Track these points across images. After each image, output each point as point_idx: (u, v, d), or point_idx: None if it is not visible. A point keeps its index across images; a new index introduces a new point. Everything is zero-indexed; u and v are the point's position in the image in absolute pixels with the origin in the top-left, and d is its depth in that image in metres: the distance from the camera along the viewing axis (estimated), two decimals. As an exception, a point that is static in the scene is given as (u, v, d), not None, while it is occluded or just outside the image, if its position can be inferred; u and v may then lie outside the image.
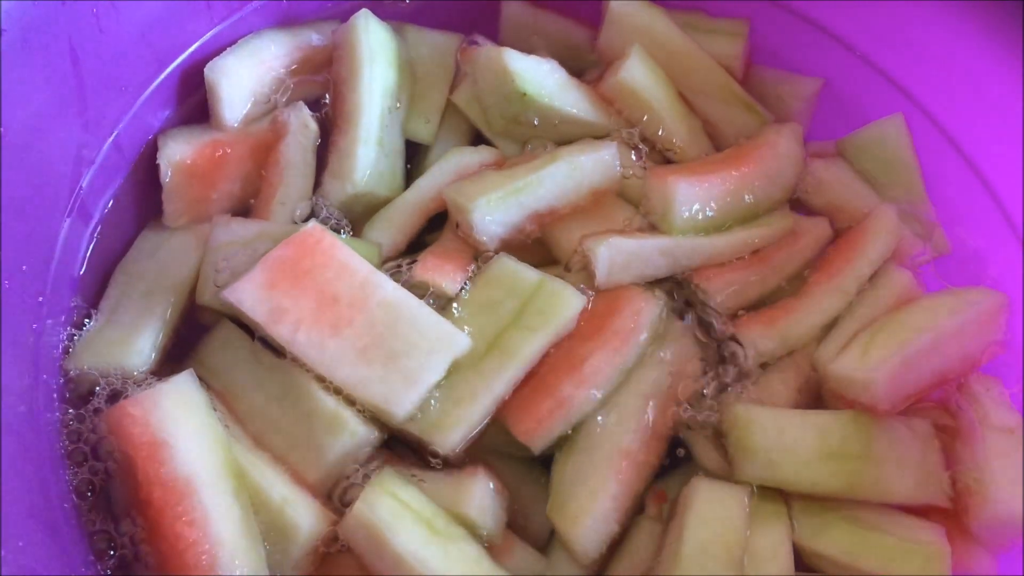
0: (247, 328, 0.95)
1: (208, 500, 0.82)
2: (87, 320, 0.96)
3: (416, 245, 1.04)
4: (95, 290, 0.99)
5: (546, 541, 0.93)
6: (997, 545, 0.91)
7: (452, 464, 0.91)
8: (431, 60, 1.15)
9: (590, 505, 0.88)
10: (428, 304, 0.92)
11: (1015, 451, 0.91)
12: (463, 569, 0.83)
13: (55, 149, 0.91)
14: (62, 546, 0.83)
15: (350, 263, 0.91)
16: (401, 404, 0.87)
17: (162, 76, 1.04)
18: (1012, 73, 0.98)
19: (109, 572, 0.85)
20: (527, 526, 0.94)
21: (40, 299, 0.90)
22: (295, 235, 0.92)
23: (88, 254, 0.99)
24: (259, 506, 0.86)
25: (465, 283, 0.97)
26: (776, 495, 0.92)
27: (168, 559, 0.81)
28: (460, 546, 0.85)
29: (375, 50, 1.07)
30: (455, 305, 0.96)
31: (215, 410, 0.89)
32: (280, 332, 0.89)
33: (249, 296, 0.89)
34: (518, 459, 0.95)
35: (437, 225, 1.05)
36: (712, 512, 0.88)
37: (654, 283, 1.00)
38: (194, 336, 0.98)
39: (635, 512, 0.92)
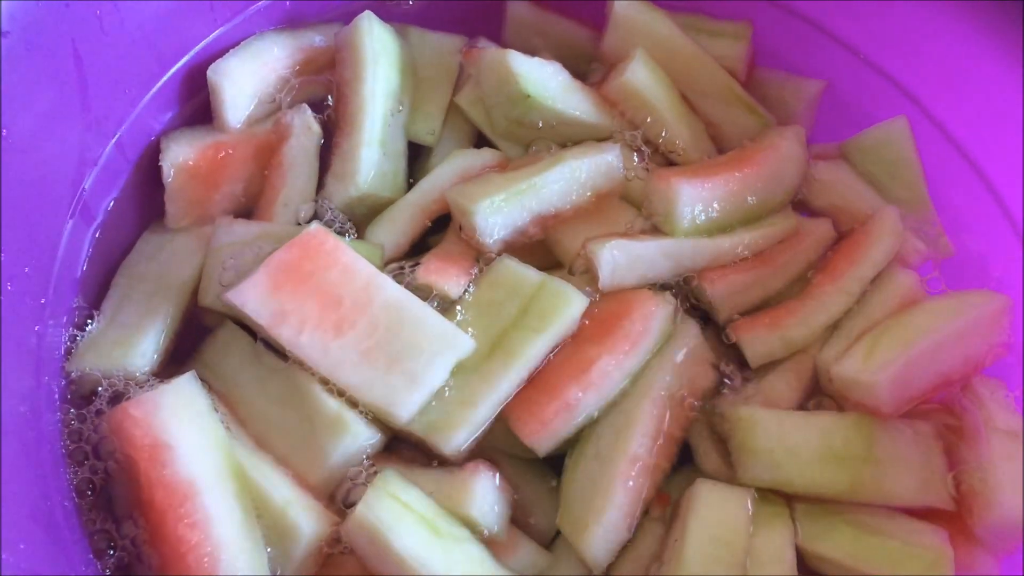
0: (250, 330, 0.95)
1: (210, 502, 0.82)
2: (89, 321, 0.96)
3: (419, 247, 1.04)
4: (97, 291, 0.99)
5: (551, 537, 0.93)
6: (1001, 548, 0.91)
7: (455, 462, 0.91)
8: (434, 62, 1.15)
9: (600, 514, 0.87)
10: (431, 306, 0.92)
11: (1020, 454, 0.90)
12: (466, 570, 0.83)
13: (57, 151, 0.91)
14: (62, 546, 0.82)
15: (353, 265, 0.91)
16: (404, 406, 0.88)
17: (165, 78, 1.04)
18: (1016, 75, 0.98)
19: (109, 572, 0.85)
20: (532, 522, 0.94)
21: (42, 301, 0.90)
22: (298, 237, 0.92)
23: (90, 255, 0.99)
24: (261, 508, 0.85)
25: (468, 285, 0.97)
26: (779, 497, 0.92)
27: (170, 561, 0.81)
28: (463, 547, 0.84)
29: (378, 52, 1.07)
30: (458, 307, 0.96)
31: (217, 412, 0.89)
32: (283, 334, 0.89)
33: (252, 298, 0.89)
34: (523, 458, 0.95)
35: (440, 227, 1.05)
36: (714, 515, 0.88)
37: (657, 285, 1.00)
38: (196, 338, 0.98)
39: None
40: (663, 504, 0.92)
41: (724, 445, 0.95)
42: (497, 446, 0.94)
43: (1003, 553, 0.91)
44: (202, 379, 0.90)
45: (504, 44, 1.16)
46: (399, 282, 0.93)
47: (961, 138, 1.07)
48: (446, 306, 0.96)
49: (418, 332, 0.89)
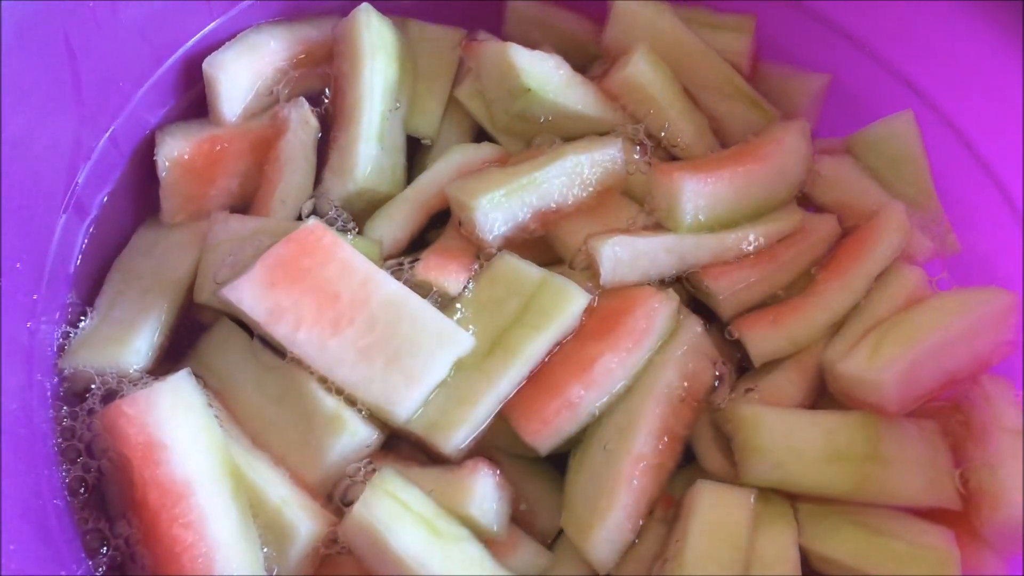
0: (246, 327, 0.94)
1: (205, 502, 0.81)
2: (82, 318, 0.95)
3: (418, 243, 1.03)
4: (91, 287, 0.98)
5: (553, 537, 0.92)
6: (1008, 549, 0.90)
7: (454, 461, 0.90)
8: (433, 55, 1.14)
9: (605, 515, 0.87)
10: (431, 303, 0.91)
11: (1028, 453, 0.90)
12: (465, 571, 0.81)
13: (51, 145, 0.90)
14: (54, 546, 0.81)
15: (351, 261, 0.90)
16: (403, 404, 0.87)
17: (160, 71, 1.03)
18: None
19: (102, 572, 0.84)
20: (533, 521, 0.93)
21: (34, 297, 0.89)
22: (295, 232, 0.91)
23: (84, 251, 0.97)
24: (257, 508, 0.84)
25: (468, 282, 0.96)
26: (782, 497, 0.91)
27: (164, 561, 0.80)
28: (462, 547, 0.83)
29: (376, 45, 1.06)
30: (458, 304, 0.94)
31: (212, 410, 0.88)
32: (280, 331, 0.88)
33: (248, 295, 0.88)
34: (524, 457, 0.94)
35: (439, 223, 1.04)
36: (716, 516, 0.87)
37: (660, 282, 0.99)
38: (192, 335, 0.97)
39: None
40: (668, 505, 0.90)
41: (727, 444, 0.94)
42: (498, 445, 0.93)
43: (1011, 554, 0.90)
44: (197, 376, 0.89)
45: (504, 37, 1.15)
46: (398, 278, 0.92)
47: (968, 133, 1.06)
48: (446, 303, 0.95)
49: (417, 329, 0.88)
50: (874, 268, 1.00)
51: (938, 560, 0.86)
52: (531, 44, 1.07)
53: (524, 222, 0.98)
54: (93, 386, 0.90)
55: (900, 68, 1.10)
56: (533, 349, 0.91)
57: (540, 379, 0.91)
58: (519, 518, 0.91)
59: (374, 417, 0.89)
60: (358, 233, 1.01)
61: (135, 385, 0.90)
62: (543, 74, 1.04)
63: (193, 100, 1.07)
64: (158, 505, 0.80)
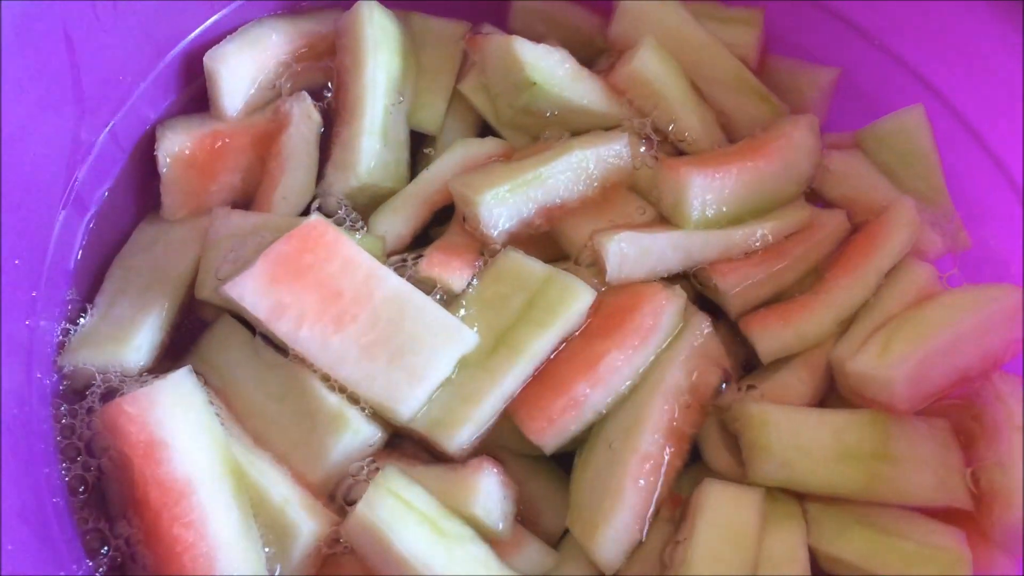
0: (248, 324, 0.93)
1: (207, 501, 0.80)
2: (82, 315, 0.94)
3: (421, 239, 1.02)
4: (91, 284, 0.97)
5: (558, 536, 0.92)
6: (1020, 549, 0.89)
7: (458, 460, 0.89)
8: (437, 49, 1.13)
9: (611, 515, 0.86)
10: (434, 300, 0.90)
11: (1041, 452, 0.89)
12: (469, 571, 0.81)
13: (50, 139, 0.89)
14: (53, 546, 0.81)
15: (354, 257, 0.89)
16: (406, 402, 0.86)
17: (160, 65, 1.02)
18: (1036, 63, 0.96)
19: (102, 572, 0.83)
20: (538, 520, 0.92)
21: (33, 294, 0.88)
22: (297, 228, 0.90)
23: (83, 247, 0.97)
24: (259, 507, 0.84)
25: (472, 278, 0.95)
26: (791, 497, 0.90)
27: (165, 561, 0.79)
28: (466, 547, 0.83)
29: (379, 38, 1.05)
30: (462, 301, 0.94)
31: (214, 408, 0.87)
32: (282, 328, 0.87)
33: (250, 291, 0.87)
34: (529, 456, 0.93)
35: (443, 218, 1.03)
36: (724, 516, 0.86)
37: (666, 278, 0.98)
38: (193, 332, 0.96)
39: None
40: (675, 504, 0.89)
41: (734, 443, 0.94)
42: (502, 443, 0.93)
43: (1022, 554, 0.89)
44: (199, 374, 0.88)
45: (509, 31, 1.14)
46: (401, 275, 0.91)
47: (979, 127, 1.05)
48: (449, 300, 0.94)
49: (421, 326, 0.87)
50: (884, 264, 0.99)
51: (949, 561, 0.85)
52: (536, 38, 1.06)
53: (529, 218, 0.97)
54: (93, 384, 0.90)
55: (910, 62, 1.09)
56: (538, 347, 0.90)
57: (545, 377, 0.90)
58: (524, 517, 0.91)
59: (377, 415, 0.89)
60: (365, 230, 1.00)
61: (136, 383, 0.89)
62: (548, 68, 1.03)
63: (194, 94, 1.06)
64: (159, 504, 0.80)
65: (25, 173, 0.85)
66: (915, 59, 1.09)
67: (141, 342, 0.92)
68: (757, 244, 1.00)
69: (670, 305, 0.93)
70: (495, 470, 0.87)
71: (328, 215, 0.97)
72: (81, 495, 0.86)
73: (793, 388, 0.95)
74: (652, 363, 0.92)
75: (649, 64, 1.05)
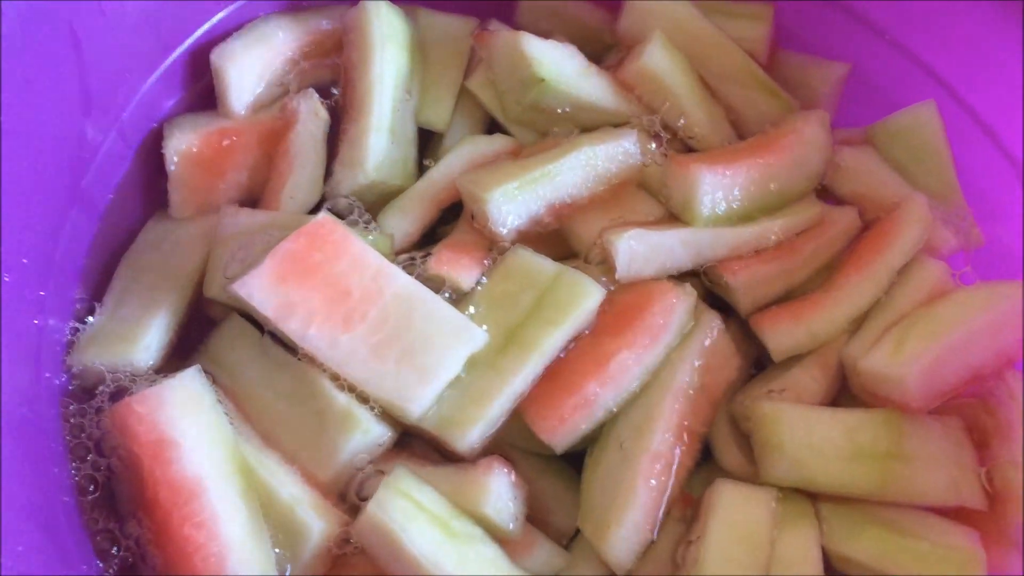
0: (256, 322, 0.92)
1: (216, 501, 0.80)
2: (91, 314, 0.94)
3: (429, 236, 1.02)
4: (99, 283, 0.97)
5: (569, 536, 0.91)
6: (1034, 548, 0.88)
7: (468, 459, 0.88)
8: (444, 45, 1.12)
9: (623, 514, 0.85)
10: (443, 298, 0.89)
11: (1056, 451, 0.88)
12: (480, 571, 0.80)
13: (57, 138, 0.88)
14: (63, 547, 0.80)
15: (362, 256, 0.88)
16: (416, 401, 0.85)
17: (167, 62, 1.01)
18: (1050, 58, 0.95)
19: (112, 573, 0.83)
20: (549, 520, 0.92)
21: (42, 293, 0.87)
22: (305, 227, 0.89)
23: (92, 246, 0.96)
24: (268, 507, 0.83)
25: (481, 276, 0.95)
26: (803, 497, 0.90)
27: (175, 562, 0.79)
28: (477, 547, 0.82)
29: (386, 35, 1.04)
30: (471, 299, 0.93)
31: (223, 407, 0.86)
32: (291, 327, 0.86)
33: (258, 290, 0.87)
34: (539, 455, 0.93)
35: (451, 216, 1.02)
36: (736, 516, 0.85)
37: (676, 276, 0.97)
38: (201, 330, 0.96)
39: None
40: (686, 504, 0.89)
41: (746, 442, 0.93)
42: (512, 442, 0.92)
43: (1037, 553, 0.89)
44: (207, 373, 0.87)
45: (517, 26, 1.14)
46: (410, 273, 0.91)
47: (992, 123, 1.05)
48: (458, 298, 0.94)
49: (430, 325, 0.87)
50: (896, 262, 0.99)
51: (963, 561, 0.85)
52: (544, 33, 1.05)
53: (538, 215, 0.97)
54: (102, 384, 0.89)
55: (922, 57, 1.08)
56: (548, 345, 0.89)
57: (555, 376, 0.90)
58: (534, 517, 0.90)
59: (386, 415, 0.88)
60: (376, 228, 0.99)
61: (145, 382, 0.89)
62: (556, 64, 1.02)
63: (201, 92, 1.05)
64: (169, 504, 0.79)
65: (33, 172, 0.85)
66: (926, 54, 1.08)
67: (150, 341, 0.91)
68: (768, 242, 0.99)
69: (680, 303, 0.93)
70: (506, 470, 0.86)
71: (338, 214, 0.97)
72: (91, 495, 0.85)
73: (805, 386, 0.94)
74: (663, 362, 0.92)
75: (658, 60, 1.04)
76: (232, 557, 0.79)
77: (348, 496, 0.87)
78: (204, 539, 0.79)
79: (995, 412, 0.92)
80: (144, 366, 0.91)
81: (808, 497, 0.90)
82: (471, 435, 0.86)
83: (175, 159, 1.00)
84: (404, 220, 1.00)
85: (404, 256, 0.97)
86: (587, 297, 0.91)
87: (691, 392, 0.91)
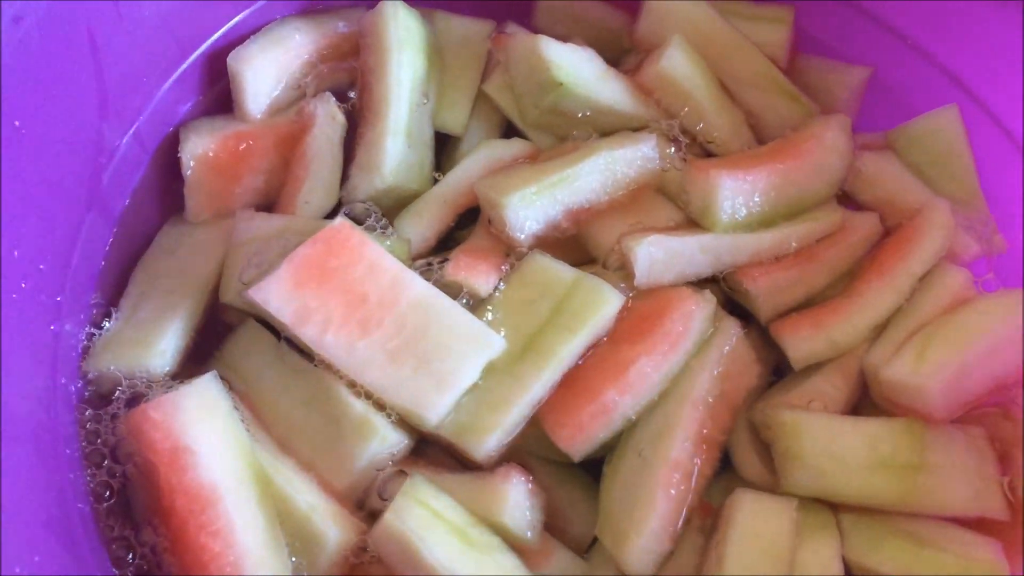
0: (273, 328, 0.92)
1: (233, 509, 0.79)
2: (107, 319, 0.93)
3: (446, 241, 1.01)
4: (115, 288, 0.96)
5: (587, 545, 0.91)
6: (1058, 561, 0.87)
7: (486, 467, 0.88)
8: (462, 48, 1.11)
9: (642, 524, 0.84)
10: (461, 305, 0.89)
11: (1081, 462, 0.87)
12: (498, 581, 0.80)
13: (74, 143, 0.88)
14: (79, 556, 0.80)
15: (379, 261, 0.88)
16: (433, 408, 0.85)
17: (184, 65, 1.01)
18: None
19: (129, 578, 0.83)
20: (566, 529, 0.91)
21: (58, 298, 0.87)
22: (322, 232, 0.89)
23: (108, 251, 0.96)
24: (285, 515, 0.83)
25: (498, 282, 0.94)
26: (825, 507, 0.89)
27: (192, 570, 0.79)
28: (494, 556, 0.82)
29: (403, 38, 1.03)
30: (488, 305, 0.92)
31: (239, 414, 0.86)
32: (307, 333, 0.86)
33: (275, 296, 0.86)
34: (556, 462, 0.92)
35: (468, 221, 1.02)
36: (757, 526, 0.84)
37: (695, 282, 0.96)
38: (217, 336, 0.95)
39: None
40: (705, 513, 0.88)
41: (765, 451, 0.92)
42: (530, 449, 0.92)
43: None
44: (223, 379, 0.87)
45: (534, 30, 1.13)
46: (427, 279, 0.90)
47: (1014, 128, 1.03)
48: (476, 304, 0.93)
49: (447, 331, 0.86)
50: (918, 269, 0.98)
51: (985, 572, 0.83)
52: (562, 37, 1.05)
53: (556, 220, 0.96)
54: (118, 389, 0.89)
55: (944, 61, 1.07)
56: (566, 352, 0.88)
57: (573, 383, 0.89)
58: (552, 525, 0.89)
59: (403, 422, 0.87)
60: (393, 233, 0.98)
61: (160, 388, 0.88)
62: (574, 68, 1.01)
63: (218, 96, 1.05)
64: (185, 512, 0.79)
65: (49, 177, 0.84)
66: (949, 58, 1.07)
67: (166, 346, 0.91)
68: (788, 248, 0.98)
69: (700, 310, 0.92)
70: (523, 478, 0.85)
71: (355, 218, 0.96)
72: (106, 502, 0.85)
73: (826, 395, 0.93)
74: (682, 369, 0.91)
75: (677, 64, 1.04)
76: (248, 566, 0.78)
77: (369, 499, 0.87)
78: (220, 547, 0.78)
79: (1018, 421, 0.91)
80: (160, 372, 0.90)
81: (829, 507, 0.89)
82: (488, 443, 0.85)
83: (191, 163, 1.00)
84: (421, 225, 0.99)
85: (421, 261, 0.97)
86: (606, 304, 0.90)
87: (710, 400, 0.90)
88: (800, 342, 0.95)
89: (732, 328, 0.94)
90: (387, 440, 0.86)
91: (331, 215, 0.99)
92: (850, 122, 1.06)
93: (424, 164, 1.05)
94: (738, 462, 0.93)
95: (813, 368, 0.96)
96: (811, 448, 0.87)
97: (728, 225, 0.96)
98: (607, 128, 1.04)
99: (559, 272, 0.93)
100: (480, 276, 0.93)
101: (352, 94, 1.08)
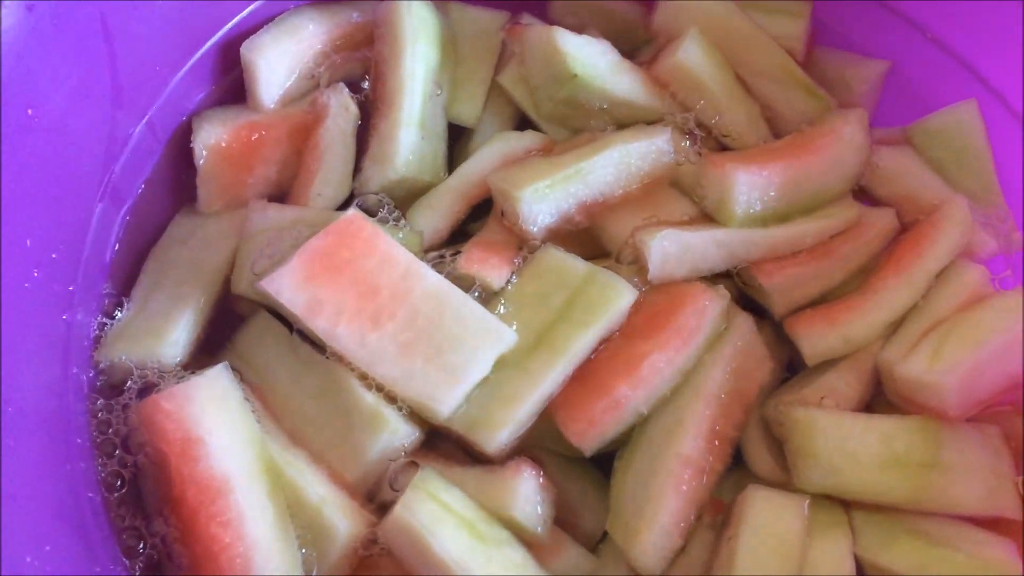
0: (284, 319, 0.92)
1: (243, 500, 0.80)
2: (118, 309, 0.93)
3: (458, 234, 1.01)
4: (127, 278, 0.96)
5: (597, 540, 0.90)
6: (1072, 561, 0.87)
7: (496, 460, 0.88)
8: (476, 39, 1.11)
9: (652, 519, 0.84)
10: (473, 297, 0.88)
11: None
12: (507, 574, 0.79)
13: (87, 131, 0.88)
14: (90, 546, 0.80)
15: (392, 253, 0.88)
16: (444, 401, 0.84)
17: (197, 55, 1.01)
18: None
19: (139, 568, 0.83)
20: (577, 524, 0.91)
21: (70, 288, 0.87)
22: (334, 224, 0.88)
23: (120, 240, 0.96)
24: (295, 507, 0.83)
25: (511, 275, 0.94)
26: (837, 505, 0.89)
27: (202, 561, 0.79)
28: (504, 551, 0.82)
29: (417, 29, 1.03)
30: (500, 298, 0.92)
31: (250, 404, 0.86)
32: (319, 325, 0.86)
33: (287, 287, 0.86)
34: (567, 457, 0.92)
35: (480, 212, 1.01)
36: (768, 524, 0.84)
37: (709, 277, 0.96)
38: (229, 326, 0.95)
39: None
40: (717, 510, 0.88)
41: (778, 447, 0.92)
42: (540, 443, 0.91)
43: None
44: (235, 370, 0.87)
45: (549, 21, 1.12)
46: (439, 271, 0.90)
47: (1035, 124, 1.02)
48: (488, 297, 0.93)
49: (459, 324, 0.86)
50: (934, 265, 0.97)
51: (999, 572, 0.82)
52: (577, 28, 1.04)
53: (569, 213, 0.96)
54: (130, 379, 0.89)
55: (964, 55, 1.06)
56: (578, 346, 0.88)
57: (585, 377, 0.89)
58: (562, 520, 0.89)
59: (414, 414, 0.87)
60: (406, 225, 0.98)
61: (172, 378, 0.88)
62: (590, 59, 1.00)
63: (231, 85, 1.05)
64: (196, 503, 0.79)
65: (62, 166, 0.84)
66: (967, 52, 1.06)
67: (177, 337, 0.91)
68: (804, 243, 0.97)
69: (713, 305, 0.91)
70: (534, 473, 0.85)
71: (367, 210, 0.96)
72: (117, 492, 0.85)
73: (840, 392, 0.93)
74: (695, 365, 0.90)
75: (693, 56, 1.03)
76: (258, 557, 0.78)
77: (379, 491, 0.87)
78: (230, 538, 0.78)
79: (1034, 421, 0.91)
80: (172, 362, 0.90)
81: (841, 505, 0.88)
82: (500, 436, 0.85)
83: (204, 153, 0.99)
84: (434, 217, 0.99)
85: (433, 254, 0.96)
86: (619, 298, 0.90)
87: (723, 396, 0.90)
88: (814, 338, 0.94)
89: (745, 323, 0.93)
90: (398, 433, 0.86)
91: (344, 206, 0.99)
92: (867, 116, 1.05)
93: (437, 156, 1.04)
94: (750, 458, 0.93)
95: (827, 365, 0.95)
96: (824, 445, 0.86)
97: (743, 220, 0.95)
98: (622, 121, 1.03)
99: (572, 266, 0.92)
100: (493, 269, 0.93)
101: (365, 85, 1.07)
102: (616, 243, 0.97)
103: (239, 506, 0.79)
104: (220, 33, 1.02)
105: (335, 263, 0.87)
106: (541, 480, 0.86)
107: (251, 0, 1.03)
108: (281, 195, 1.03)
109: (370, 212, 0.96)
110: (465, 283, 0.91)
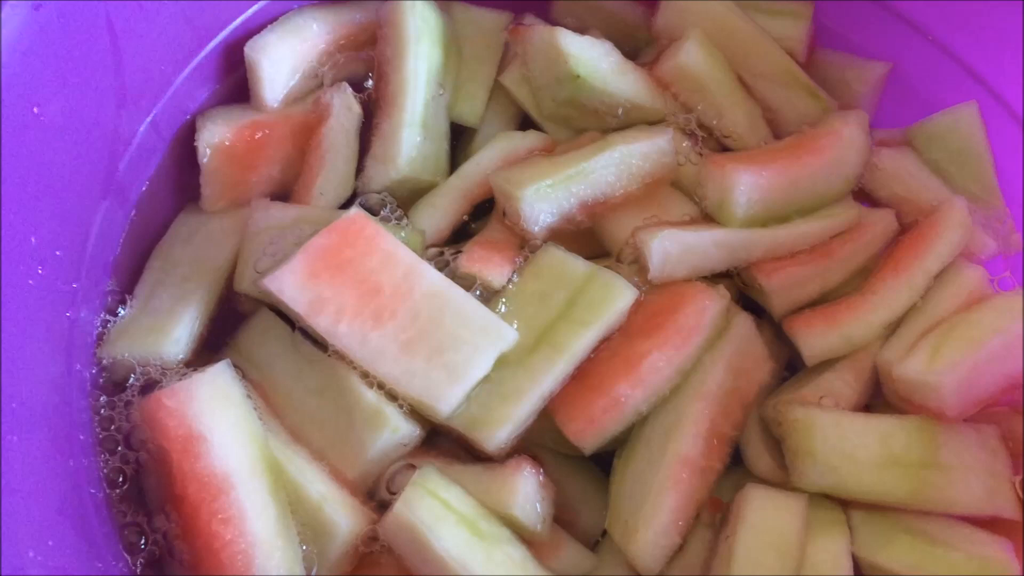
0: (287, 317, 0.92)
1: (244, 497, 0.80)
2: (121, 306, 0.94)
3: (459, 233, 1.01)
4: (130, 275, 0.97)
5: (596, 538, 0.91)
6: (1070, 561, 0.87)
7: (496, 458, 0.88)
8: (479, 39, 1.11)
9: (651, 518, 0.84)
10: (474, 296, 0.89)
11: (1094, 463, 0.86)
12: (507, 572, 0.80)
13: (91, 129, 0.88)
14: (92, 541, 0.80)
15: (394, 252, 0.88)
16: (445, 400, 0.85)
17: (202, 54, 1.01)
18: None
19: (141, 564, 0.83)
20: (576, 522, 0.91)
21: (74, 285, 0.87)
22: (337, 222, 0.89)
23: (124, 238, 0.96)
24: (296, 504, 0.83)
25: (512, 274, 0.94)
26: (835, 504, 0.89)
27: (203, 557, 0.79)
28: (504, 548, 0.82)
29: (421, 29, 1.03)
30: (502, 297, 0.93)
31: (251, 402, 0.86)
32: (321, 323, 0.86)
33: (289, 285, 0.87)
34: (567, 455, 0.92)
35: (482, 212, 1.02)
36: (766, 522, 0.84)
37: (709, 277, 0.96)
38: (231, 324, 0.96)
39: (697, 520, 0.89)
40: (716, 509, 0.88)
41: (776, 447, 0.92)
42: (541, 442, 0.92)
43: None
44: (237, 368, 0.88)
45: (552, 21, 1.13)
46: (440, 270, 0.90)
47: (1035, 126, 1.02)
48: (489, 296, 0.93)
49: (460, 323, 0.86)
50: (934, 266, 0.97)
51: (996, 571, 0.83)
52: (579, 29, 1.04)
53: (570, 213, 0.96)
54: (132, 376, 0.89)
55: (964, 56, 1.06)
56: (579, 345, 0.88)
57: (586, 376, 0.89)
58: (561, 518, 0.90)
59: (415, 412, 0.88)
60: (408, 224, 0.98)
61: (175, 375, 0.89)
62: (592, 60, 1.01)
63: (234, 85, 1.05)
64: (198, 499, 0.79)
65: (67, 163, 0.85)
66: (968, 54, 1.06)
67: (180, 334, 0.91)
68: (803, 244, 0.98)
69: (713, 305, 0.91)
70: (534, 471, 0.85)
71: (370, 209, 0.96)
72: (119, 488, 0.86)
73: (839, 392, 0.93)
74: (694, 364, 0.91)
75: (695, 58, 1.03)
76: (259, 554, 0.79)
77: (378, 491, 0.87)
78: (232, 535, 0.79)
79: (1032, 421, 0.91)
80: (174, 359, 0.91)
81: (839, 504, 0.89)
82: (500, 435, 0.85)
83: (207, 152, 1.00)
84: (435, 216, 0.99)
85: (434, 252, 0.97)
86: (619, 298, 0.90)
87: (722, 395, 0.90)
88: (813, 338, 0.95)
89: (745, 323, 0.94)
90: (399, 431, 0.86)
91: (346, 205, 0.99)
92: (868, 118, 1.05)
93: (439, 155, 1.05)
94: (749, 458, 0.93)
95: (826, 365, 0.95)
96: (822, 445, 0.86)
97: (744, 220, 0.96)
98: (624, 121, 1.04)
99: (573, 265, 0.93)
100: (494, 268, 0.93)
101: (369, 84, 1.08)
102: (617, 243, 0.98)
103: (240, 503, 0.79)
104: (224, 32, 1.02)
105: (337, 262, 0.87)
106: (541, 478, 0.86)
107: (255, 0, 1.04)
108: (284, 194, 1.03)
109: (372, 211, 0.97)
110: (466, 282, 0.92)
